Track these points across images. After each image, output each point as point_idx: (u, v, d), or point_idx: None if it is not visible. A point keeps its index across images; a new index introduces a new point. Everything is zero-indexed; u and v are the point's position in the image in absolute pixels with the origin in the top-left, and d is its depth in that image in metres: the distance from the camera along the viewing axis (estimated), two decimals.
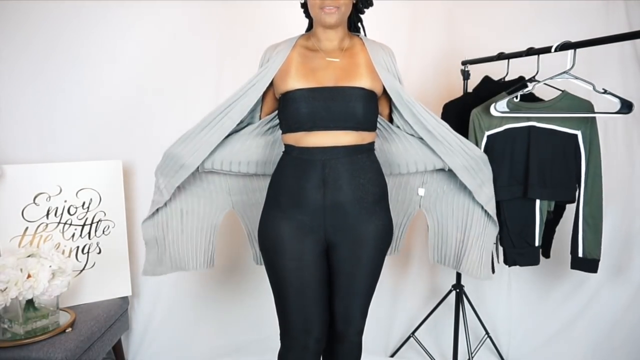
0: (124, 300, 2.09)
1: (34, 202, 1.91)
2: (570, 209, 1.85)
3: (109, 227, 2.04)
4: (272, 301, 1.36)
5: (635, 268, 2.06)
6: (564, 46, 1.49)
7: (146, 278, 2.21)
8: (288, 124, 1.31)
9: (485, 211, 1.57)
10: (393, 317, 2.32)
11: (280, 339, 1.37)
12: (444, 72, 2.22)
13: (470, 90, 1.95)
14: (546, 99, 1.76)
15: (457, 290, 2.07)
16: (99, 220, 2.02)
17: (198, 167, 1.43)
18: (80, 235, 1.99)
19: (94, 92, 2.10)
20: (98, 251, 2.02)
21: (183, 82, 2.15)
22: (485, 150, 1.74)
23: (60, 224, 1.95)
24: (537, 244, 1.84)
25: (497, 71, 1.88)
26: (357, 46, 1.37)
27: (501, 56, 1.81)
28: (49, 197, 1.93)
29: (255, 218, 1.48)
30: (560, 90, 1.74)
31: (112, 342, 1.98)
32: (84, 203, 1.99)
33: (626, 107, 1.59)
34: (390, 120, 1.51)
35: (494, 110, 1.64)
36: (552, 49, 1.53)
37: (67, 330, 1.70)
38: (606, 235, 2.07)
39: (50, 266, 1.69)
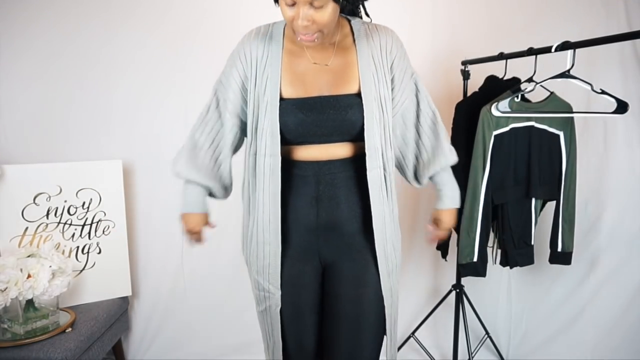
0: (124, 300, 2.09)
1: (34, 202, 1.91)
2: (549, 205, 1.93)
3: (109, 227, 2.04)
4: None
5: (635, 268, 2.05)
6: (564, 46, 1.49)
7: (146, 278, 2.22)
8: None
9: None
10: None
11: None
12: (444, 72, 2.22)
13: (473, 89, 1.95)
14: (538, 99, 1.78)
15: (457, 290, 2.06)
16: (99, 220, 2.02)
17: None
18: (80, 235, 1.99)
19: (94, 92, 2.10)
20: (98, 251, 2.02)
21: (183, 81, 2.14)
22: (493, 150, 1.75)
23: (60, 224, 1.95)
24: (532, 242, 1.89)
25: (497, 71, 1.88)
26: (348, 39, 1.14)
27: (501, 56, 1.81)
28: (49, 197, 1.93)
29: None
30: (550, 91, 1.77)
31: (112, 342, 1.98)
32: (84, 203, 1.99)
33: (621, 107, 1.59)
34: None
35: (496, 110, 1.64)
36: (552, 49, 1.52)
37: (67, 331, 1.70)
38: (606, 235, 2.08)
39: (50, 266, 1.69)
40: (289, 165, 1.13)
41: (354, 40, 1.14)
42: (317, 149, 1.11)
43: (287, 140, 1.11)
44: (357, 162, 1.13)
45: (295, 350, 1.21)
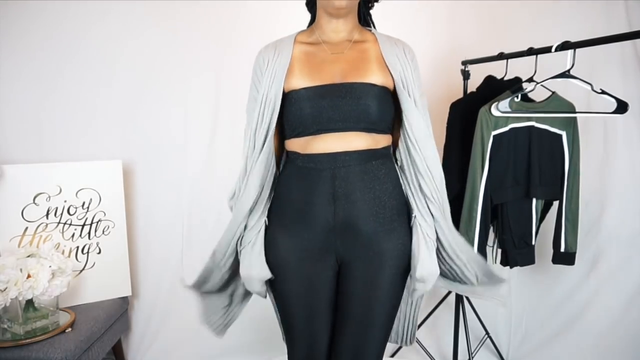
0: (124, 300, 2.09)
1: (34, 202, 1.91)
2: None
3: (108, 227, 2.04)
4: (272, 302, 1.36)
5: (636, 268, 2.05)
6: (564, 46, 1.50)
7: (146, 278, 2.22)
8: (291, 127, 1.14)
9: None
10: None
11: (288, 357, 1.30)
12: (444, 72, 2.22)
13: (473, 89, 1.95)
14: (539, 99, 1.78)
15: None
16: (99, 220, 2.02)
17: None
18: (80, 235, 1.99)
19: (94, 92, 2.10)
20: (98, 251, 2.02)
21: (183, 82, 2.15)
22: (492, 151, 1.75)
23: (60, 224, 1.95)
24: (533, 242, 1.89)
25: (497, 71, 1.88)
26: (369, 41, 1.19)
27: (501, 56, 1.81)
28: (49, 197, 1.93)
29: None
30: (551, 91, 1.77)
31: (112, 342, 1.98)
32: (83, 203, 1.99)
33: (621, 107, 1.59)
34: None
35: (496, 110, 1.64)
36: (552, 49, 1.53)
37: (66, 331, 1.70)
38: (607, 235, 2.08)
39: (50, 266, 1.69)
40: (304, 160, 1.15)
41: (376, 43, 1.19)
42: (333, 138, 1.11)
43: (303, 130, 1.12)
44: (373, 156, 1.14)
45: (308, 349, 1.22)
